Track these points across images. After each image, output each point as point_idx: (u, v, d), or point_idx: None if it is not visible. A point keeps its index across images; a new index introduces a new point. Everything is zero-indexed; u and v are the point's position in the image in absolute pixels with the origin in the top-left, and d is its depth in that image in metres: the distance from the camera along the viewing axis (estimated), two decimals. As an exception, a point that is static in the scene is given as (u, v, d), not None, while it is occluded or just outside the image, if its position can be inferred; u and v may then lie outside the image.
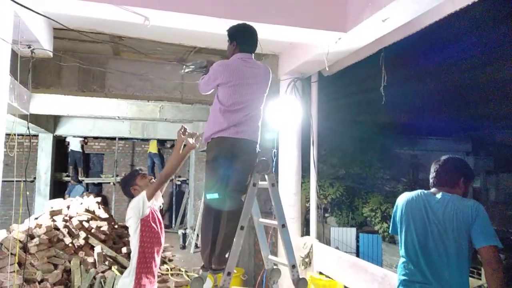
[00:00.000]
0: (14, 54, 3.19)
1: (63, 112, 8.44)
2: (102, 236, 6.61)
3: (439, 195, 2.35)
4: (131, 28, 3.83)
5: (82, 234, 6.33)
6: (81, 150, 12.16)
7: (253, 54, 2.78)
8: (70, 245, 6.08)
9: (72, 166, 12.04)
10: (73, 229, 6.37)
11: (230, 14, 3.24)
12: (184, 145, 2.87)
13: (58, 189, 11.40)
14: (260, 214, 2.94)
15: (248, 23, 2.82)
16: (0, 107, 2.91)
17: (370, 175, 14.04)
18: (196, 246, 9.19)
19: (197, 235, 9.16)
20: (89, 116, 9.69)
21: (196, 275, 2.75)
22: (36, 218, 6.72)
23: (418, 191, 2.46)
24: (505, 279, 2.09)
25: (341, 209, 13.39)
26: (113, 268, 5.74)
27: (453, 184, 2.38)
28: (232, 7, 3.29)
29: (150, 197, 2.69)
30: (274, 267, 2.90)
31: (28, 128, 3.67)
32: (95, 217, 7.19)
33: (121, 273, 5.07)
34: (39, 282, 5.10)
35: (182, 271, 6.50)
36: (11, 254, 4.93)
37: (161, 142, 12.81)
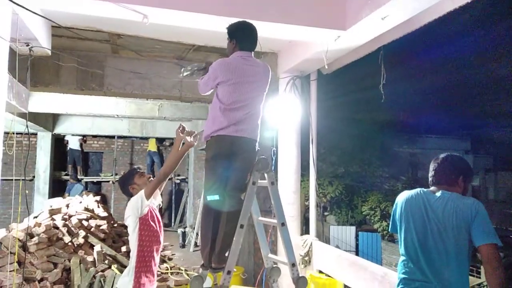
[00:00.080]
0: (12, 52, 3.17)
1: (62, 111, 8.42)
2: (102, 235, 6.61)
3: (438, 193, 2.34)
4: (130, 26, 3.82)
5: (82, 233, 6.32)
6: (80, 149, 12.14)
7: (253, 52, 2.77)
8: (70, 244, 6.08)
9: (71, 165, 12.02)
10: (72, 228, 6.37)
11: (229, 12, 3.23)
12: (183, 144, 2.86)
13: (57, 188, 11.39)
14: (260, 213, 2.94)
15: (247, 20, 2.81)
16: (-1, 106, 2.90)
17: (369, 173, 14.05)
18: (195, 244, 9.20)
19: (197, 233, 9.16)
20: (88, 115, 9.68)
21: (196, 274, 2.74)
22: (36, 217, 6.72)
23: (418, 190, 2.45)
24: (505, 277, 2.08)
25: (341, 208, 13.40)
26: (112, 267, 5.74)
27: (452, 182, 2.37)
28: (231, 4, 3.29)
29: (148, 195, 2.69)
30: (274, 265, 2.89)
31: (27, 126, 3.65)
32: (95, 216, 7.19)
33: (121, 272, 5.07)
34: (39, 281, 5.10)
35: (181, 270, 6.50)
36: (11, 253, 4.93)
37: (160, 141, 12.80)
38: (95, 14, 3.26)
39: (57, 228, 6.23)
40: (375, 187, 14.09)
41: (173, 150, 2.84)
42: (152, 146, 12.64)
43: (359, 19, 3.24)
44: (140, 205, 2.67)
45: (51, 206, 7.10)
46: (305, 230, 5.58)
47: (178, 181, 13.01)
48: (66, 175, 11.94)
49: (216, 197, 2.59)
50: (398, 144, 17.28)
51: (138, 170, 2.94)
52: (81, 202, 7.65)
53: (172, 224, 12.60)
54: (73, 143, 11.92)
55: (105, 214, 7.58)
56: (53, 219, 6.43)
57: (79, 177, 11.94)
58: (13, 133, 3.52)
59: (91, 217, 7.02)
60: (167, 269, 6.43)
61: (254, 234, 5.23)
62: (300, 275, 2.70)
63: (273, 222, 2.79)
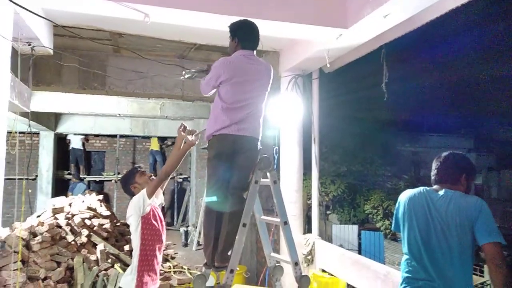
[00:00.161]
0: (14, 52, 3.18)
1: (64, 110, 8.44)
2: (105, 234, 6.62)
3: (441, 192, 2.34)
4: (131, 25, 3.82)
5: (85, 232, 6.33)
6: (82, 148, 12.17)
7: (255, 50, 2.76)
8: (73, 242, 6.09)
9: (74, 164, 12.06)
10: (75, 227, 6.38)
11: (230, 10, 3.22)
12: (185, 142, 2.86)
13: (60, 187, 11.42)
14: (262, 212, 2.94)
15: (249, 19, 2.81)
16: (1, 105, 2.90)
17: (372, 172, 14.01)
18: (198, 243, 9.21)
19: (199, 232, 9.17)
20: (90, 114, 9.70)
21: (199, 273, 2.74)
22: (39, 216, 6.74)
23: (421, 188, 2.45)
24: (509, 276, 2.07)
25: (343, 206, 13.37)
26: (115, 265, 5.75)
27: (455, 180, 2.36)
28: (233, 3, 3.28)
29: (150, 194, 2.69)
30: (277, 264, 2.90)
31: (29, 125, 3.67)
32: (97, 215, 7.20)
33: (124, 270, 5.08)
34: (42, 280, 5.11)
35: (184, 269, 6.51)
36: (14, 252, 4.94)
37: (162, 140, 12.82)
38: (96, 13, 3.26)
39: (60, 227, 6.24)
40: (377, 186, 14.05)
41: (175, 149, 2.84)
42: (154, 145, 12.66)
43: (360, 17, 3.23)
44: (142, 204, 2.67)
45: (54, 205, 7.11)
46: (307, 229, 5.57)
47: (181, 180, 13.02)
48: (69, 174, 11.97)
49: (214, 198, 2.60)
50: (400, 143, 17.23)
51: (138, 169, 2.94)
52: (83, 201, 7.66)
53: (175, 223, 12.62)
54: (76, 143, 11.95)
55: (108, 213, 7.59)
56: (56, 218, 6.45)
57: (81, 176, 11.97)
58: (16, 133, 3.53)
59: (94, 216, 7.03)
60: (170, 268, 6.44)
61: (257, 233, 5.22)
62: (303, 274, 2.69)
63: (275, 221, 2.78)
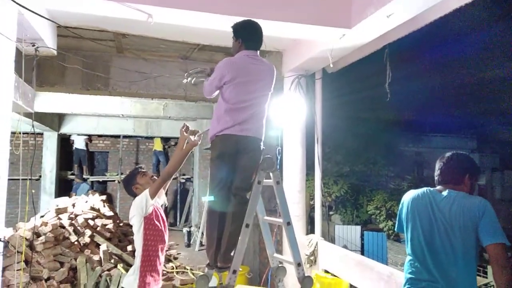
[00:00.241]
0: (18, 53, 3.19)
1: (68, 110, 8.48)
2: (108, 234, 6.64)
3: (445, 193, 2.33)
4: (135, 25, 3.82)
5: (88, 232, 6.35)
6: (85, 148, 12.21)
7: (258, 51, 2.76)
8: (76, 243, 6.11)
9: (77, 164, 12.10)
10: (78, 227, 6.40)
11: (233, 10, 3.22)
12: (187, 143, 2.86)
13: (64, 187, 11.47)
14: (265, 212, 2.94)
15: (252, 19, 2.81)
16: (5, 105, 2.92)
17: (375, 172, 13.99)
18: (201, 244, 9.21)
19: (202, 233, 9.18)
20: (93, 114, 9.73)
21: (202, 273, 2.74)
22: (42, 216, 6.76)
23: (424, 189, 2.44)
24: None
25: (346, 207, 13.34)
26: (118, 266, 5.76)
27: (458, 181, 2.35)
28: (236, 3, 3.28)
29: (153, 195, 2.69)
30: (280, 265, 2.89)
31: (33, 126, 3.68)
32: (100, 215, 7.22)
33: (127, 271, 5.09)
34: (46, 280, 5.13)
35: (187, 269, 6.51)
36: (18, 252, 4.96)
37: (166, 140, 12.85)
38: (100, 13, 3.27)
39: (64, 227, 6.26)
40: (380, 186, 14.03)
41: (177, 150, 2.84)
42: (157, 146, 12.70)
43: (364, 17, 3.22)
44: (145, 205, 2.67)
45: (57, 206, 7.14)
46: (310, 229, 5.56)
47: (183, 181, 13.05)
48: (72, 174, 12.01)
49: (211, 198, 2.60)
50: (403, 143, 17.19)
51: (140, 170, 2.94)
52: (87, 202, 7.68)
53: (178, 223, 12.64)
54: (79, 143, 12.00)
55: (111, 213, 7.61)
56: (59, 219, 6.47)
57: (84, 176, 12.01)
58: (20, 133, 3.54)
59: (97, 217, 7.05)
60: (173, 268, 6.45)
61: (260, 233, 5.22)
62: (306, 274, 2.69)
63: (278, 221, 2.78)
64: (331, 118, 6.60)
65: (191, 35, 4.38)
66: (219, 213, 2.63)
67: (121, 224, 7.59)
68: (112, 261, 5.93)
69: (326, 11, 3.45)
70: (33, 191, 10.62)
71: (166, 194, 3.07)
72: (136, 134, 11.73)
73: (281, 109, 4.87)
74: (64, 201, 7.55)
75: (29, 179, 3.82)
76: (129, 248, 6.46)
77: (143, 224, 2.68)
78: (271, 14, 3.34)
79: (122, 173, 12.11)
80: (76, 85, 5.21)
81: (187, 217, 12.60)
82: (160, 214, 2.84)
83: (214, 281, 2.72)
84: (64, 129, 10.96)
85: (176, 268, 6.51)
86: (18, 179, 4.13)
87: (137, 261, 2.70)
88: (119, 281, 5.30)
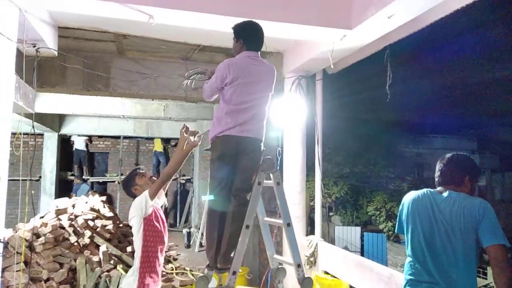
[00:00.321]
0: (19, 53, 3.19)
1: (68, 111, 8.48)
2: (107, 235, 6.64)
3: (445, 194, 2.32)
4: (136, 26, 3.83)
5: (88, 233, 6.35)
6: (85, 149, 12.22)
7: (259, 52, 2.76)
8: (76, 244, 6.11)
9: (77, 165, 12.10)
10: (78, 228, 6.40)
11: (234, 11, 3.22)
12: (187, 144, 2.86)
13: (64, 188, 11.46)
14: (265, 213, 2.93)
15: (253, 20, 2.81)
16: (6, 106, 2.92)
17: (375, 173, 13.97)
18: (200, 245, 9.21)
19: (202, 234, 9.17)
20: (93, 115, 9.74)
21: (201, 274, 2.74)
22: (42, 217, 6.76)
23: (425, 190, 2.44)
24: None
25: (346, 208, 13.33)
26: (118, 267, 5.76)
27: (459, 182, 2.35)
28: (236, 4, 3.28)
29: (152, 196, 2.68)
30: (279, 266, 2.89)
31: (33, 127, 3.67)
32: (100, 216, 7.22)
33: (126, 272, 5.09)
34: (45, 281, 5.13)
35: (186, 270, 6.51)
36: (17, 253, 4.96)
37: (166, 141, 12.84)
38: (101, 14, 3.27)
39: (63, 228, 6.26)
40: (380, 188, 14.01)
41: (177, 151, 2.83)
42: (158, 146, 12.70)
43: (365, 18, 3.22)
44: (144, 206, 2.67)
45: (57, 206, 7.14)
46: (310, 230, 5.56)
47: (183, 181, 13.04)
48: (72, 175, 12.01)
49: (211, 196, 2.60)
50: (403, 144, 17.18)
51: (138, 171, 2.94)
52: (87, 202, 7.68)
53: (177, 224, 12.63)
54: (79, 144, 12.00)
55: (111, 214, 7.61)
56: (59, 219, 6.47)
57: (84, 177, 12.00)
58: (20, 134, 3.54)
59: (97, 217, 7.05)
60: (172, 270, 6.45)
61: (259, 234, 5.22)
62: (306, 275, 2.69)
63: (278, 222, 2.78)
64: (332, 119, 6.60)
65: (192, 36, 4.38)
66: (219, 214, 2.62)
67: (121, 225, 7.59)
68: (112, 262, 5.93)
69: (326, 12, 3.45)
70: (33, 191, 10.62)
71: (166, 195, 3.06)
72: (137, 135, 11.73)
73: (281, 110, 4.87)
74: (64, 202, 7.56)
75: (29, 179, 3.82)
76: (129, 249, 6.46)
77: (142, 225, 2.68)
78: (272, 15, 3.34)
79: (122, 174, 12.11)
80: (77, 86, 5.21)
81: (187, 218, 12.60)
82: (160, 215, 2.84)
83: (213, 282, 2.72)
84: (65, 130, 10.96)
85: (176, 269, 6.51)
86: (18, 180, 4.13)
87: (136, 262, 2.70)
88: (119, 282, 5.30)
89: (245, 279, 6.05)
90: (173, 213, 13.02)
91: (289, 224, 2.66)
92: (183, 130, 2.84)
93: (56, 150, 11.05)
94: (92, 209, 7.36)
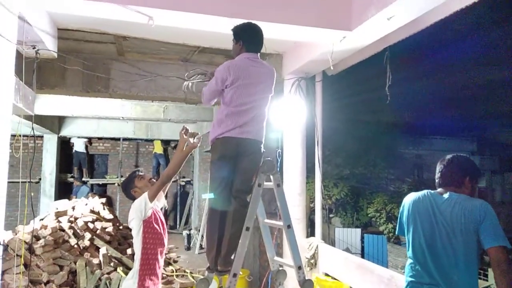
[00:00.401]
0: (19, 55, 3.19)
1: (68, 113, 8.48)
2: (107, 237, 6.63)
3: (446, 195, 2.32)
4: (135, 28, 3.83)
5: (87, 235, 6.34)
6: (85, 151, 12.21)
7: (259, 53, 2.76)
8: (76, 246, 6.09)
9: (77, 167, 12.09)
10: (78, 230, 6.39)
11: (234, 13, 3.22)
12: (187, 145, 2.85)
13: (63, 190, 11.45)
14: (265, 215, 2.92)
15: (252, 22, 2.81)
16: (6, 108, 2.91)
17: (375, 175, 13.98)
18: (200, 247, 9.19)
19: (202, 236, 9.15)
20: (93, 117, 9.73)
21: (202, 277, 2.73)
22: (42, 219, 6.75)
23: (425, 191, 2.43)
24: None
25: (346, 210, 13.33)
26: (118, 269, 5.75)
27: (459, 183, 2.34)
28: (236, 5, 3.28)
29: (152, 198, 2.67)
30: (280, 268, 2.88)
31: (33, 129, 3.67)
32: (100, 218, 7.21)
33: (126, 274, 5.07)
34: (45, 284, 5.12)
35: (187, 272, 6.50)
36: (17, 255, 4.94)
37: (166, 142, 12.84)
38: (101, 16, 3.27)
39: (63, 230, 6.25)
40: (380, 189, 14.00)
41: (177, 152, 2.83)
42: (157, 148, 12.69)
43: (364, 20, 3.22)
44: (144, 208, 2.66)
45: (57, 209, 7.13)
46: (310, 232, 5.54)
47: (183, 183, 13.03)
48: (72, 177, 12.00)
49: (211, 195, 2.60)
50: (403, 146, 17.18)
51: (137, 173, 2.93)
52: (86, 204, 7.67)
53: (177, 226, 12.61)
54: (79, 146, 11.99)
55: (111, 216, 7.60)
56: (59, 222, 6.46)
57: (84, 179, 11.99)
58: (20, 136, 3.54)
59: (96, 220, 7.04)
60: (173, 272, 6.43)
61: (260, 236, 5.20)
62: (306, 278, 2.68)
63: (279, 224, 2.77)
64: (331, 120, 6.60)
65: (192, 37, 4.38)
66: (220, 216, 2.62)
67: (120, 227, 7.58)
68: (112, 264, 5.91)
69: (326, 13, 3.45)
70: (33, 194, 10.61)
71: (166, 196, 3.05)
72: (136, 136, 11.73)
73: (281, 112, 4.86)
74: (63, 204, 7.55)
75: (29, 182, 3.81)
76: (129, 251, 6.45)
77: (142, 227, 2.67)
78: (272, 16, 3.34)
79: (122, 176, 12.09)
80: (77, 87, 5.21)
81: (187, 220, 12.58)
82: (160, 217, 2.83)
83: (214, 285, 2.71)
84: (64, 132, 10.96)
85: (176, 272, 6.50)
86: (18, 182, 4.13)
87: (136, 265, 2.69)
88: (119, 284, 5.28)
89: (246, 281, 6.03)
90: (173, 215, 13.00)
91: (289, 226, 2.65)
92: (183, 132, 2.83)
93: (55, 152, 11.04)
94: (92, 211, 7.34)
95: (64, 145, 11.74)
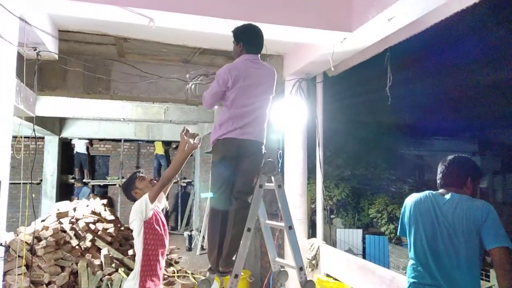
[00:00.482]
0: (20, 57, 3.20)
1: (69, 114, 8.50)
2: (109, 238, 6.63)
3: (447, 196, 2.31)
4: (136, 29, 3.83)
5: (89, 236, 6.34)
6: (86, 152, 12.23)
7: (259, 55, 2.76)
8: (77, 247, 6.10)
9: (78, 168, 12.11)
10: (79, 231, 6.39)
11: (234, 14, 3.23)
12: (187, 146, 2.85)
13: (65, 191, 11.47)
14: (267, 216, 2.92)
15: (253, 23, 2.81)
16: (7, 110, 2.91)
17: (376, 176, 13.94)
18: (202, 248, 9.18)
19: (203, 237, 9.15)
20: (94, 118, 9.75)
21: (203, 278, 2.73)
22: (43, 221, 6.76)
23: (427, 192, 2.42)
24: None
25: (347, 211, 13.31)
26: (119, 270, 5.75)
27: (461, 184, 2.34)
28: (237, 7, 3.28)
29: (153, 199, 2.68)
30: (281, 269, 2.88)
31: (34, 130, 3.67)
32: (101, 219, 7.21)
33: (128, 275, 5.07)
34: (47, 285, 5.12)
35: (188, 273, 6.50)
36: (19, 256, 4.95)
37: (167, 144, 12.85)
38: (101, 18, 3.27)
39: (65, 231, 6.26)
40: (381, 190, 13.97)
41: (178, 153, 2.83)
42: (159, 149, 12.71)
43: (365, 21, 3.22)
44: (145, 209, 2.66)
45: (58, 210, 7.13)
46: (311, 233, 5.54)
47: (184, 184, 13.03)
48: (73, 178, 12.02)
49: (210, 194, 2.60)
50: (404, 146, 17.15)
51: (138, 174, 2.93)
52: (88, 206, 7.68)
53: (179, 227, 12.61)
54: (80, 147, 12.01)
55: (112, 217, 7.60)
56: (60, 223, 6.46)
57: (85, 180, 12.01)
58: (21, 137, 3.54)
59: (98, 221, 7.05)
60: (174, 273, 6.43)
61: (261, 237, 5.20)
62: (308, 278, 2.68)
63: (280, 225, 2.77)
64: (332, 121, 6.59)
65: (192, 39, 4.39)
66: (221, 217, 2.62)
67: (122, 228, 7.58)
68: (113, 265, 5.91)
69: (327, 15, 3.45)
70: (34, 195, 10.61)
71: (167, 197, 3.06)
72: (137, 138, 11.75)
73: (282, 113, 4.87)
74: (65, 205, 7.55)
75: (30, 183, 3.82)
76: (130, 252, 6.45)
77: (143, 229, 2.67)
78: (272, 18, 3.34)
79: (123, 177, 12.10)
80: (78, 89, 5.21)
81: (188, 221, 12.57)
82: (160, 218, 2.83)
83: (215, 286, 2.71)
84: (65, 133, 10.98)
85: (177, 273, 6.49)
86: (19, 183, 4.13)
87: (137, 266, 2.69)
88: (120, 285, 5.28)
89: (247, 282, 6.03)
90: (174, 216, 13.00)
91: (290, 227, 2.65)
92: (183, 133, 2.83)
93: (57, 154, 11.07)
94: (93, 212, 7.35)
95: (65, 146, 11.76)
